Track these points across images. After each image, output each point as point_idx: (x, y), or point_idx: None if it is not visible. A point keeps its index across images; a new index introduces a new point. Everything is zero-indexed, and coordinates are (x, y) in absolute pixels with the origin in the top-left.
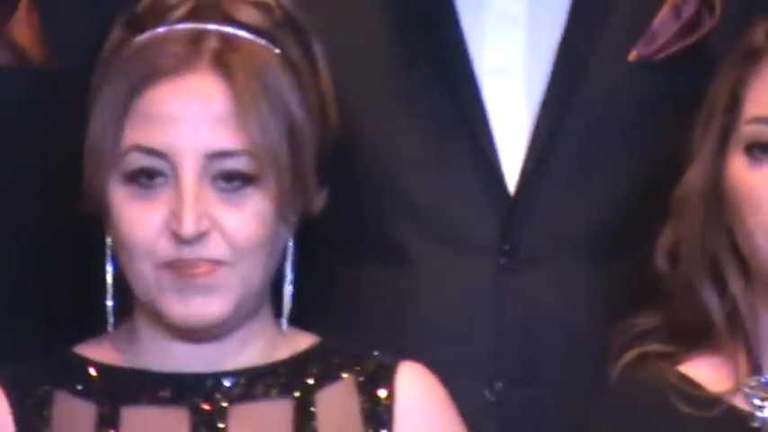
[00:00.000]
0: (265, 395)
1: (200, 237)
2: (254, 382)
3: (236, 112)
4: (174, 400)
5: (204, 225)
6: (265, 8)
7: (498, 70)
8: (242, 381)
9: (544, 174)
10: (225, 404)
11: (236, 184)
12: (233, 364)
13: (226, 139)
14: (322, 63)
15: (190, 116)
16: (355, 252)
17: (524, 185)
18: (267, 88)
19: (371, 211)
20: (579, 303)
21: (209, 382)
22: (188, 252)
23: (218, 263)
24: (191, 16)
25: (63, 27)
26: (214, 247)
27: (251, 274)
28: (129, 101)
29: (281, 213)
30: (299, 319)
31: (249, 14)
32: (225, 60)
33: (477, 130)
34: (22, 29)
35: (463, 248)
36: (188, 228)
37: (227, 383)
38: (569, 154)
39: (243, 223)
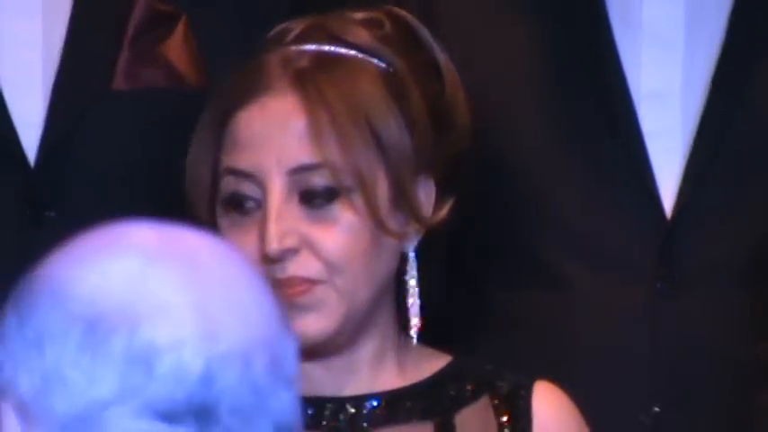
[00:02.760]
0: (408, 419)
1: (289, 254)
2: (396, 406)
3: (315, 128)
4: (315, 425)
5: (290, 242)
6: (374, 22)
7: (654, 95)
8: (383, 404)
9: (700, 198)
10: (367, 427)
11: (322, 199)
12: (370, 386)
13: (306, 154)
14: (447, 72)
15: (271, 136)
16: (511, 277)
17: (681, 210)
18: (351, 102)
19: (527, 236)
20: (735, 328)
21: (350, 406)
22: (280, 271)
23: (313, 281)
24: (299, 38)
25: (217, 50)
26: (306, 265)
27: (352, 289)
28: (221, 126)
29: (378, 225)
30: (454, 343)
31: (352, 32)
32: (305, 78)
33: (633, 155)
34: (179, 52)
35: (619, 273)
36: (271, 244)
37: (368, 407)
38: (725, 178)
39: (333, 238)
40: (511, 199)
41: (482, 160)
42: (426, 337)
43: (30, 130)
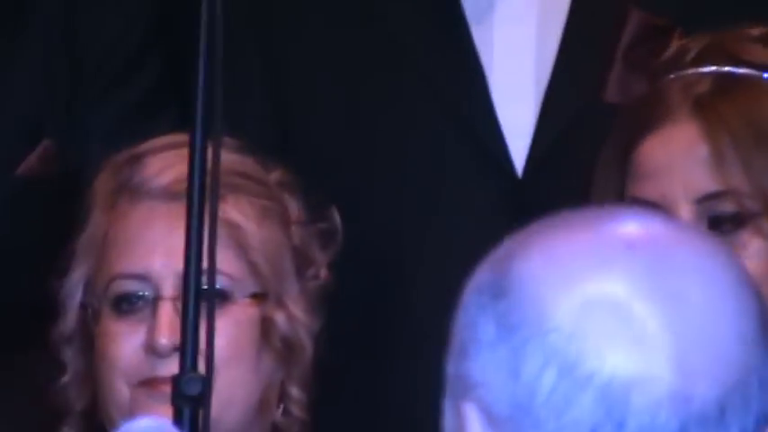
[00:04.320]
0: None
1: None
2: None
3: (717, 155)
4: None
5: None
6: None
7: None
8: None
9: None
10: None
11: (730, 226)
12: None
13: (711, 182)
14: None
15: (675, 165)
16: None
17: None
18: (752, 125)
19: None
20: None
21: None
22: None
23: None
24: (697, 60)
25: None
26: None
27: None
28: (626, 155)
29: None
30: None
31: (750, 50)
32: (706, 104)
33: None
34: None
35: None
36: None
37: None
38: None
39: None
40: None
41: None
42: None
43: (518, 138)
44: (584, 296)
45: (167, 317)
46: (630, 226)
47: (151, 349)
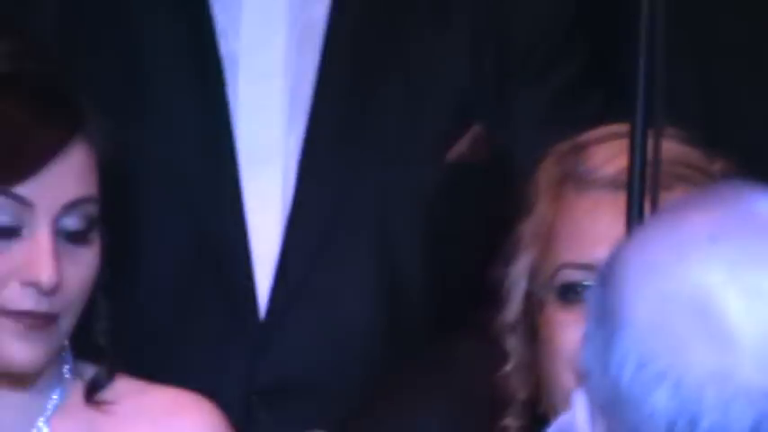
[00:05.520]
0: None
1: None
2: None
3: None
4: None
5: None
6: None
7: None
8: None
9: None
10: None
11: None
12: None
13: None
14: None
15: None
16: None
17: None
18: None
19: None
20: None
21: None
22: None
23: None
24: None
25: None
26: None
27: None
28: None
29: None
30: None
31: None
32: None
33: None
34: None
35: None
36: None
37: None
38: None
39: None
40: None
41: None
42: None
43: None
44: (664, 289)
45: None
46: (718, 214)
47: None
